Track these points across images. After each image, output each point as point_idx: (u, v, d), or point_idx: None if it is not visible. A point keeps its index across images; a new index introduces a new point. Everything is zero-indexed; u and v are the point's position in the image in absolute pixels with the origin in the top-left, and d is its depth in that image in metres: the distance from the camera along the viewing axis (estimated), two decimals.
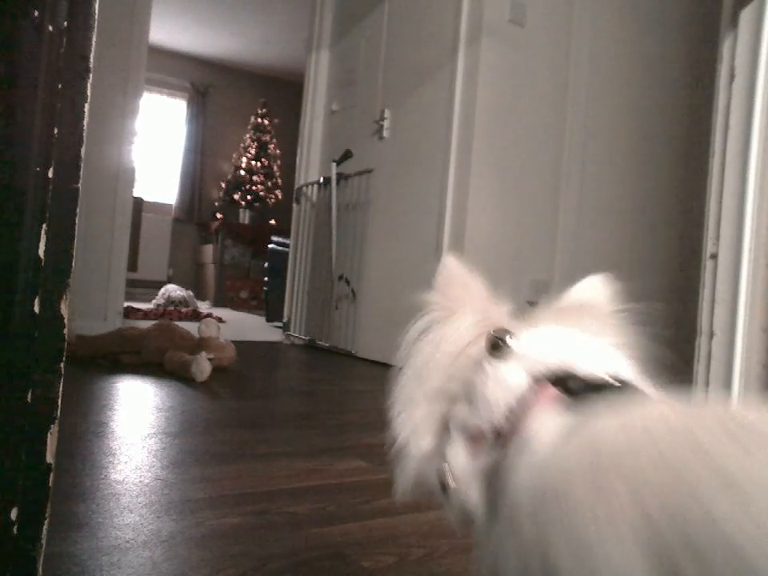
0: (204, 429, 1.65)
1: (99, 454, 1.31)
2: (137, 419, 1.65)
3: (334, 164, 3.50)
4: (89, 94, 0.60)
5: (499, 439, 0.45)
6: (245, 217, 7.68)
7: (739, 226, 1.06)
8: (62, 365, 0.60)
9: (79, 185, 0.60)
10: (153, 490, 1.11)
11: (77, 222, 0.60)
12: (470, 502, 0.48)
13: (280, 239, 5.34)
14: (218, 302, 7.00)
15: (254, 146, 7.76)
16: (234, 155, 7.84)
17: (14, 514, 0.57)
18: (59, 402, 0.60)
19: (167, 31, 6.86)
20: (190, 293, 5.99)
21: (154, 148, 7.58)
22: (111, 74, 3.09)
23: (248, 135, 7.81)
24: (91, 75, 0.61)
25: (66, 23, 0.58)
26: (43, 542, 0.60)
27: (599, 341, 0.49)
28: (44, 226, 0.58)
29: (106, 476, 1.17)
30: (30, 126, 0.56)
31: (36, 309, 0.58)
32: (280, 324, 4.24)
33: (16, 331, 0.56)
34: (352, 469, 1.35)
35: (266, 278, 5.51)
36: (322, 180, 3.70)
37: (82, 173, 0.60)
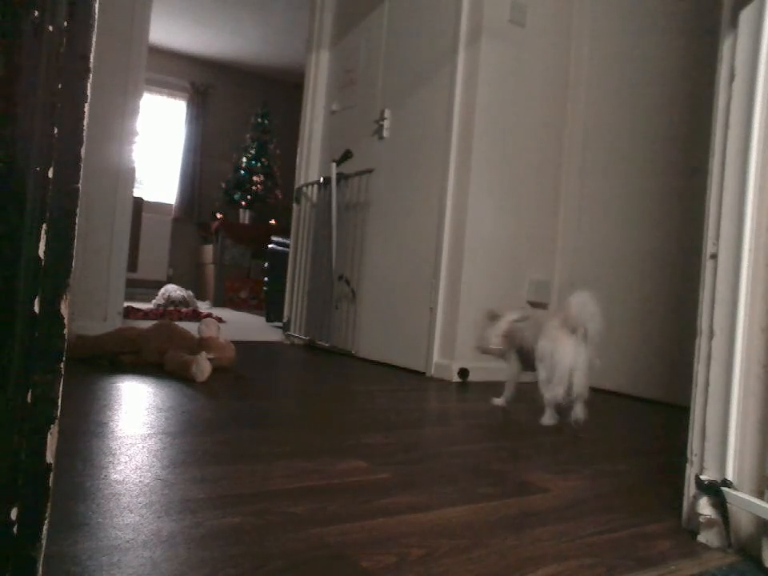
0: (204, 429, 1.65)
1: (99, 454, 1.31)
2: (137, 419, 1.65)
3: (334, 164, 3.50)
4: (89, 94, 0.60)
5: None
6: (245, 217, 7.68)
7: (739, 226, 1.06)
8: (62, 365, 0.60)
9: (79, 185, 0.60)
10: (153, 490, 1.11)
11: (77, 222, 0.60)
12: None
13: (280, 239, 5.34)
14: (217, 302, 7.00)
15: (253, 146, 7.75)
16: (234, 155, 7.84)
17: (13, 514, 0.57)
18: (59, 402, 0.60)
19: (167, 31, 6.86)
20: (190, 293, 5.99)
21: (154, 148, 7.58)
22: (111, 74, 3.09)
23: (248, 135, 7.80)
24: (91, 75, 0.60)
25: (65, 23, 0.58)
26: (43, 542, 0.60)
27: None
28: (44, 225, 0.58)
29: (106, 476, 1.17)
30: (30, 125, 0.56)
31: (36, 309, 0.58)
32: (280, 324, 4.24)
33: (16, 331, 0.56)
34: (352, 469, 1.35)
35: (265, 278, 5.51)
36: (322, 180, 3.71)
37: (82, 173, 0.60)
